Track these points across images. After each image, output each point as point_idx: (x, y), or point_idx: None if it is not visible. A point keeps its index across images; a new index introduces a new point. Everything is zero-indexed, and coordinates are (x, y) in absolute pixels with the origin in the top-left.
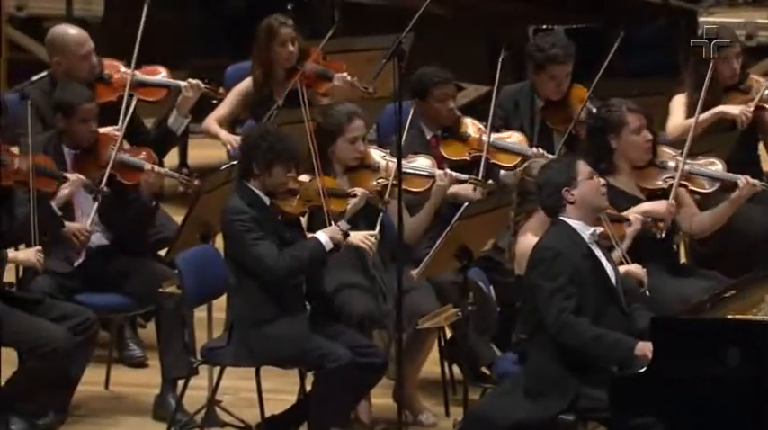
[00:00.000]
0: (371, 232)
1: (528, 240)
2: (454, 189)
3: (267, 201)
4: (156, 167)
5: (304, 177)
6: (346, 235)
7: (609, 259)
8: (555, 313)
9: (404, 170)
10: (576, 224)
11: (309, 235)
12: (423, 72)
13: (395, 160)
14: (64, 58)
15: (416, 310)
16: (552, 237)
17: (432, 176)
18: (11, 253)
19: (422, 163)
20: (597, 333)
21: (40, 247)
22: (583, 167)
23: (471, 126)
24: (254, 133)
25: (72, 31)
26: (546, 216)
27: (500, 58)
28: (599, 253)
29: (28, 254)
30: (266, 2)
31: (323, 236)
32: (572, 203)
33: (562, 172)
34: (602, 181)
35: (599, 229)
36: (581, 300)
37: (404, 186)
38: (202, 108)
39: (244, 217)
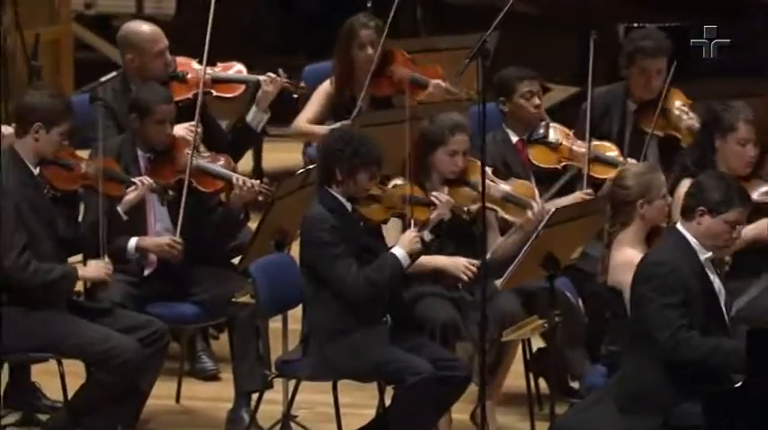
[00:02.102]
0: (473, 261)
1: (624, 254)
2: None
3: (349, 207)
4: (248, 181)
5: (398, 181)
6: (427, 245)
7: (722, 282)
8: (670, 331)
9: (502, 195)
10: (693, 240)
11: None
12: (506, 71)
13: (498, 182)
14: (137, 55)
15: (501, 319)
16: (665, 251)
17: (527, 206)
18: (79, 268)
19: (520, 190)
20: (713, 344)
21: (108, 260)
22: (737, 214)
23: (560, 133)
24: (336, 137)
25: (145, 27)
26: (642, 227)
27: (590, 57)
28: (712, 275)
29: (96, 269)
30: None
31: (400, 251)
32: (699, 224)
33: (721, 195)
34: (738, 237)
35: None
36: (690, 319)
37: (500, 213)
38: (281, 108)
39: (326, 226)
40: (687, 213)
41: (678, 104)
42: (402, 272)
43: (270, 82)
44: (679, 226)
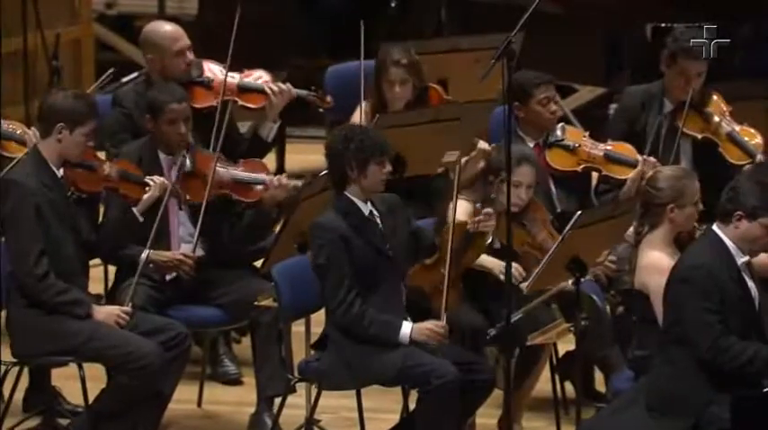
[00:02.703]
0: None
1: (651, 256)
2: None
3: (366, 210)
4: (283, 179)
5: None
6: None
7: (757, 286)
8: (711, 338)
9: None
10: (730, 244)
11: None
12: (521, 75)
13: (556, 236)
14: (158, 54)
15: (532, 327)
16: (702, 254)
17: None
18: (94, 307)
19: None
20: (753, 351)
21: (127, 309)
22: None
23: (576, 135)
24: (339, 137)
25: (166, 26)
26: (671, 230)
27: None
28: (750, 282)
29: (109, 316)
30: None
31: (406, 331)
32: (736, 228)
33: (758, 199)
34: None
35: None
36: (727, 322)
37: (540, 259)
38: (304, 110)
39: (332, 236)
40: (724, 217)
41: (720, 109)
42: (395, 344)
43: (279, 93)
44: (716, 229)
